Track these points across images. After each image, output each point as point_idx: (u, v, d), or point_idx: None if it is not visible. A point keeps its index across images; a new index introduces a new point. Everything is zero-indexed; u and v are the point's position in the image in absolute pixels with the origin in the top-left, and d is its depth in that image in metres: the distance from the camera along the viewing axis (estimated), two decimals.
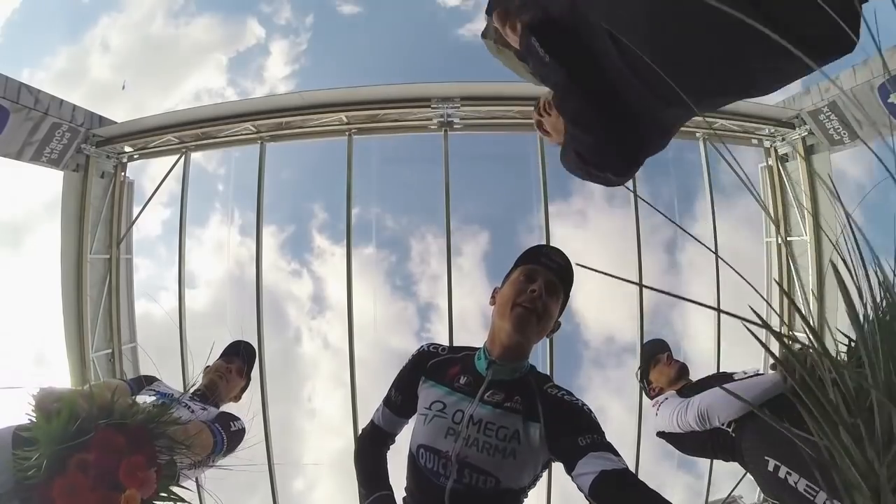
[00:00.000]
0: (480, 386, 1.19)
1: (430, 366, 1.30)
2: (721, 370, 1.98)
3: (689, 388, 1.80)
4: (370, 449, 1.30)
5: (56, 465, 0.94)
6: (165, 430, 1.11)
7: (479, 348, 1.30)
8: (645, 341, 2.19)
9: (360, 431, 1.42)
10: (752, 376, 1.63)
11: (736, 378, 1.68)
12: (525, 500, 1.18)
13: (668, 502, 0.89)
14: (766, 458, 1.32)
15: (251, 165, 4.92)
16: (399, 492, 1.23)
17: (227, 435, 1.59)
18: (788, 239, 5.10)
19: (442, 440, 1.13)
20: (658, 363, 1.99)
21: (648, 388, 2.02)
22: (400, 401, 1.32)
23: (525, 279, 1.21)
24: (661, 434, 1.77)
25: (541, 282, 1.20)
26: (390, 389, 1.36)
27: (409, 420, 1.34)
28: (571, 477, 1.03)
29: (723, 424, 1.52)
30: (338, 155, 4.83)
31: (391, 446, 1.39)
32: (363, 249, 6.20)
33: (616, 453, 1.02)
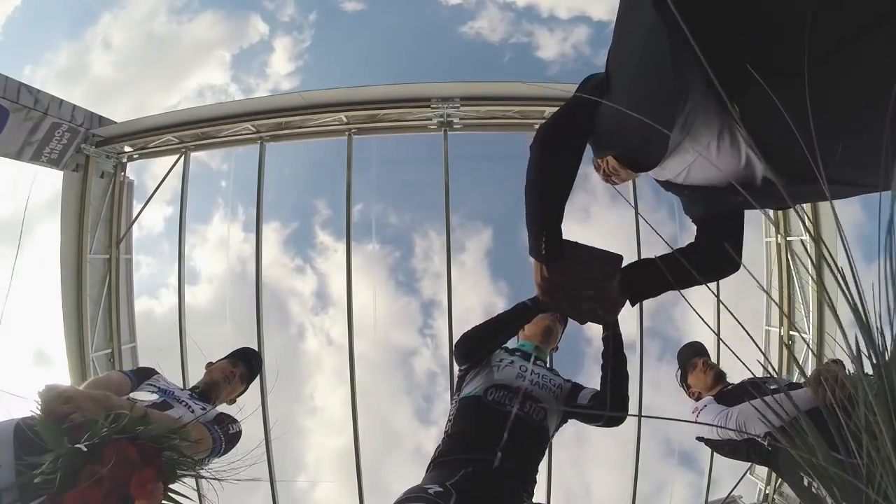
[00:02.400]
0: (530, 358, 1.78)
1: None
2: (753, 378, 1.99)
3: (726, 393, 1.82)
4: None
5: (68, 477, 0.94)
6: (176, 443, 1.12)
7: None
8: (683, 345, 2.21)
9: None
10: (786, 387, 1.64)
11: (770, 387, 1.69)
12: (546, 449, 1.64)
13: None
14: (802, 474, 1.32)
15: (254, 162, 4.92)
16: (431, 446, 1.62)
17: (226, 438, 1.60)
18: (788, 239, 5.10)
19: (513, 380, 1.65)
20: (695, 368, 2.01)
21: (688, 391, 2.05)
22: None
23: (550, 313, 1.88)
24: (700, 438, 1.80)
25: (558, 316, 1.91)
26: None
27: None
28: (577, 403, 1.69)
29: (759, 436, 1.55)
30: (341, 152, 4.84)
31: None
32: (366, 246, 6.20)
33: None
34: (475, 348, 1.66)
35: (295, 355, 6.64)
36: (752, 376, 1.87)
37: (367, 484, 4.62)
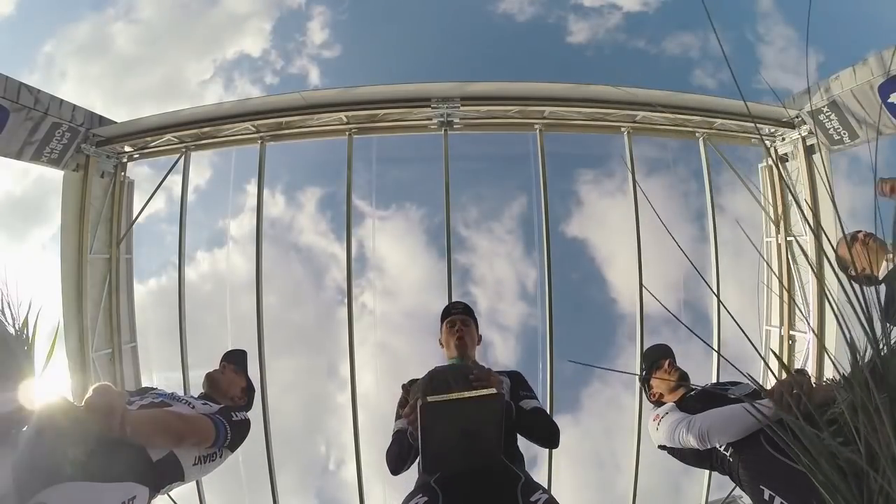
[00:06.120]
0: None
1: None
2: (720, 381, 1.97)
3: (688, 400, 1.80)
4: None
5: None
6: None
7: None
8: (648, 346, 2.20)
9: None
10: (748, 393, 1.64)
11: (731, 394, 1.69)
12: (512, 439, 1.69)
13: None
14: (762, 487, 1.32)
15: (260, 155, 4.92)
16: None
17: (230, 424, 1.61)
18: (788, 239, 5.10)
19: None
20: (659, 369, 2.00)
21: (649, 392, 2.03)
22: None
23: (450, 326, 2.04)
24: (662, 447, 1.79)
25: (458, 324, 2.04)
26: None
27: None
28: (518, 404, 1.73)
29: (721, 446, 1.55)
30: (352, 148, 4.85)
31: None
32: (406, 212, 6.27)
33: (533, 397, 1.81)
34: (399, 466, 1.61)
35: (329, 328, 6.53)
36: (714, 382, 1.87)
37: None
